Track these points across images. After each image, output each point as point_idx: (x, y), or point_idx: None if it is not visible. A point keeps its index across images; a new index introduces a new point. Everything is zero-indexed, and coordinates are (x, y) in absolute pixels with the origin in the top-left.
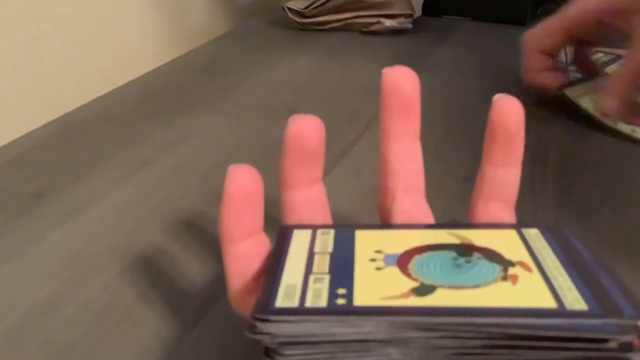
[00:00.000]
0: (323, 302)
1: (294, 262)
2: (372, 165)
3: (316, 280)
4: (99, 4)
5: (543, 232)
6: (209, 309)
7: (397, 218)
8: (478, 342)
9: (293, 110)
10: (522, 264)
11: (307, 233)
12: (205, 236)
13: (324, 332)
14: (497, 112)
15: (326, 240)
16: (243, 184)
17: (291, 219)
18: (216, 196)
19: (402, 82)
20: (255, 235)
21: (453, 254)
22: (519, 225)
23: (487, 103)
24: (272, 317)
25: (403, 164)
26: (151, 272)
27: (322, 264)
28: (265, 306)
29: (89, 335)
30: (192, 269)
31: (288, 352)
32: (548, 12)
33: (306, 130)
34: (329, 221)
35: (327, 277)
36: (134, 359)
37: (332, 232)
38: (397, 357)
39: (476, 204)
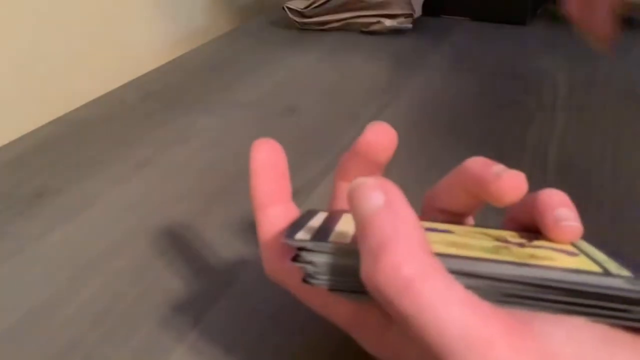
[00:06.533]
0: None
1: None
2: None
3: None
4: (99, 5)
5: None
6: (208, 309)
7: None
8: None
9: (293, 110)
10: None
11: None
12: (205, 236)
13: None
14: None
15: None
16: (268, 155)
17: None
18: (216, 196)
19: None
20: (284, 203)
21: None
22: None
23: (487, 103)
24: (313, 247)
25: None
26: (151, 272)
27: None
28: (293, 234)
29: (88, 335)
30: (191, 269)
31: (323, 277)
32: (548, 12)
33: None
34: None
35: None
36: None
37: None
38: None
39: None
